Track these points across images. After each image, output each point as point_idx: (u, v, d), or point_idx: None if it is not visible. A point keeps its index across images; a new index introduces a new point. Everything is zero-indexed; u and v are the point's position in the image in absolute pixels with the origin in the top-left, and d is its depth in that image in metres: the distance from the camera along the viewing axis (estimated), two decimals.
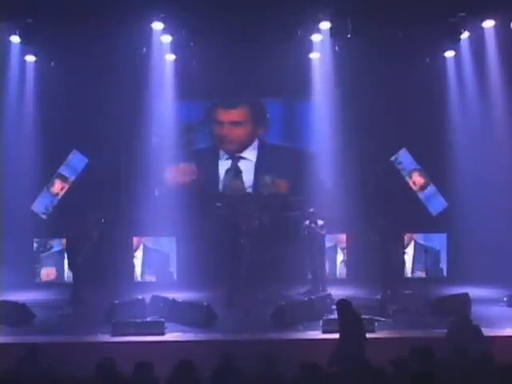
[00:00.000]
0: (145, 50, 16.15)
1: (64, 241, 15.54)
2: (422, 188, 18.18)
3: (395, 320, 12.40)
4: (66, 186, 17.98)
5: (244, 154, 18.62)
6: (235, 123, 18.55)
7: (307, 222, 15.41)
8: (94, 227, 15.67)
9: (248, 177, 18.60)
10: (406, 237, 16.93)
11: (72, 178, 18.00)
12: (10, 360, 8.22)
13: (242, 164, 18.62)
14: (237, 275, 14.61)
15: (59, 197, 17.93)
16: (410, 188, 18.18)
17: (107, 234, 16.18)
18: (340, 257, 17.51)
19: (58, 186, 17.97)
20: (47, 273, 17.14)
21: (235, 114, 18.58)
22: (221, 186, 18.60)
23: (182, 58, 16.72)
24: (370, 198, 16.84)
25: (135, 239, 17.51)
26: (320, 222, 15.34)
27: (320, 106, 17.79)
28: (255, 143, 18.65)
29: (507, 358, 7.04)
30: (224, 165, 18.62)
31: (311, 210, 15.48)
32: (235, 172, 18.55)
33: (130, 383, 6.77)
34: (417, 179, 18.21)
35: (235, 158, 18.59)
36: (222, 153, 18.67)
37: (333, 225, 16.48)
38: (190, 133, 18.49)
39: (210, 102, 18.53)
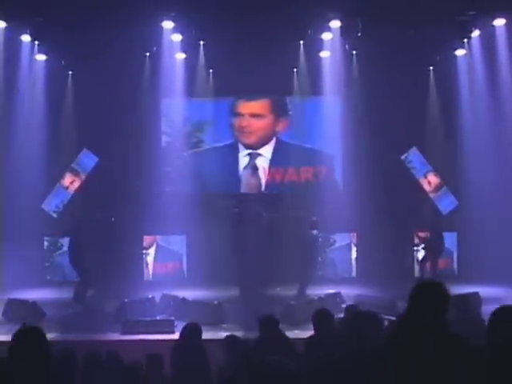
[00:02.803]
0: (155, 48, 16.21)
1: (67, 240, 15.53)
2: (437, 189, 18.15)
3: None
4: (77, 180, 18.06)
5: (261, 151, 18.53)
6: (255, 115, 18.49)
7: (315, 231, 15.34)
8: (103, 225, 15.72)
9: (263, 174, 18.56)
10: (419, 236, 16.93)
11: (83, 176, 18.07)
12: None
13: (258, 161, 18.56)
14: (246, 274, 14.63)
15: (70, 191, 18.00)
16: (421, 187, 18.15)
17: (117, 232, 16.21)
18: (352, 256, 17.53)
19: (68, 179, 18.06)
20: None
21: (256, 106, 18.54)
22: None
23: (193, 57, 16.74)
24: (380, 197, 16.80)
25: (149, 238, 17.57)
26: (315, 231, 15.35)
27: (330, 104, 17.78)
28: (273, 141, 18.56)
29: None
30: (242, 161, 18.58)
31: (314, 218, 15.42)
32: (252, 170, 18.52)
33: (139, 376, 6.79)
34: (432, 179, 18.18)
35: (253, 155, 18.52)
36: (240, 149, 18.61)
37: (343, 224, 16.49)
38: (200, 132, 18.48)
39: (221, 100, 18.48)
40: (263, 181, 18.47)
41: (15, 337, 4.51)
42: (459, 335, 4.26)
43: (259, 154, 18.52)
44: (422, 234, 17.12)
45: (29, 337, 4.52)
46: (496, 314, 4.49)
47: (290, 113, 18.54)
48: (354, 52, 16.77)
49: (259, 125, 18.47)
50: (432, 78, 17.66)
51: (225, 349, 7.72)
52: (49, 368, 4.47)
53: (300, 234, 15.53)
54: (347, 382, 5.20)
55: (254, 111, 18.50)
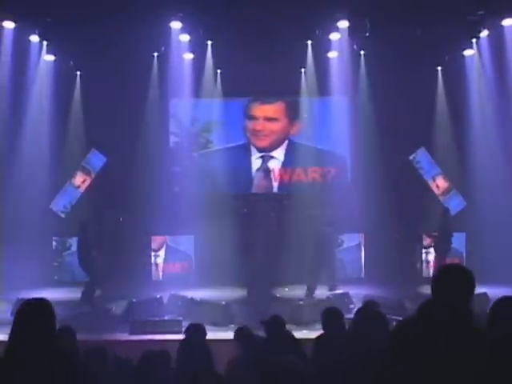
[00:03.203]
0: (163, 48, 16.23)
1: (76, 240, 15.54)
2: (445, 192, 18.10)
3: None
4: (88, 179, 18.09)
5: (274, 153, 18.48)
6: (270, 119, 18.44)
7: (330, 228, 15.56)
8: (111, 225, 15.73)
9: (275, 177, 18.51)
10: (429, 237, 16.89)
11: (93, 175, 18.11)
12: None
13: (271, 163, 18.51)
14: (254, 274, 14.64)
15: (81, 190, 18.03)
16: (429, 187, 18.11)
17: (125, 232, 16.24)
18: (360, 256, 17.52)
19: (80, 178, 18.09)
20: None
21: (271, 110, 18.47)
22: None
23: (201, 57, 16.75)
24: (388, 198, 16.75)
25: (158, 238, 17.60)
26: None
27: (338, 105, 17.77)
28: (285, 143, 18.50)
29: None
30: (254, 163, 18.55)
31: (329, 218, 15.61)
32: (265, 172, 18.48)
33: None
34: (441, 183, 18.14)
35: (266, 157, 18.46)
36: (252, 151, 18.58)
37: (352, 224, 16.47)
38: (208, 132, 18.46)
39: (229, 100, 18.43)
40: (275, 183, 18.45)
41: (20, 309, 4.42)
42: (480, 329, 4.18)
43: (272, 157, 18.49)
44: (430, 235, 17.06)
45: (34, 307, 4.43)
46: (497, 303, 4.43)
47: (306, 116, 18.42)
48: (362, 52, 16.75)
49: (273, 128, 18.45)
50: (440, 78, 17.61)
51: (236, 340, 7.75)
52: (54, 343, 4.38)
53: (314, 232, 15.57)
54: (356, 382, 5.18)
55: (268, 115, 18.47)
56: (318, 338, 7.33)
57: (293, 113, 18.45)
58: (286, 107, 18.44)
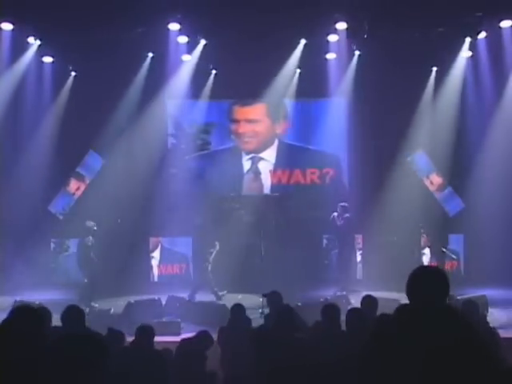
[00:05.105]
0: (161, 50, 16.23)
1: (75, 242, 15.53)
2: (440, 188, 18.07)
3: None
4: (82, 186, 18.04)
5: (263, 155, 18.42)
6: (251, 121, 18.35)
7: (335, 214, 15.69)
8: (109, 228, 15.70)
9: (265, 178, 18.49)
10: (424, 238, 16.88)
11: (88, 178, 18.06)
12: None
13: (261, 165, 18.47)
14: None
15: (76, 196, 18.00)
16: (427, 189, 18.09)
17: (123, 234, 16.21)
18: (357, 258, 17.51)
19: (73, 186, 18.03)
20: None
21: (251, 112, 18.37)
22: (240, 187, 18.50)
23: (198, 59, 16.73)
24: (385, 199, 16.76)
25: (153, 239, 17.57)
26: (346, 215, 15.65)
27: (337, 106, 17.77)
28: (275, 144, 18.48)
29: None
30: (245, 165, 18.50)
31: (343, 204, 15.69)
32: (254, 174, 18.44)
33: None
34: (435, 179, 18.11)
35: (255, 159, 18.42)
36: (242, 153, 18.52)
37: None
38: (205, 134, 18.42)
39: (226, 102, 18.41)
40: (266, 185, 18.41)
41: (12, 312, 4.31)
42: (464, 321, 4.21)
43: (261, 158, 18.44)
44: (427, 236, 17.05)
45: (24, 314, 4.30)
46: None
47: (289, 115, 18.40)
48: (360, 53, 16.74)
49: (257, 129, 18.37)
50: (438, 80, 17.59)
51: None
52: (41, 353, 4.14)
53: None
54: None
55: (248, 117, 18.38)
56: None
57: (274, 113, 18.35)
58: (267, 108, 18.33)
